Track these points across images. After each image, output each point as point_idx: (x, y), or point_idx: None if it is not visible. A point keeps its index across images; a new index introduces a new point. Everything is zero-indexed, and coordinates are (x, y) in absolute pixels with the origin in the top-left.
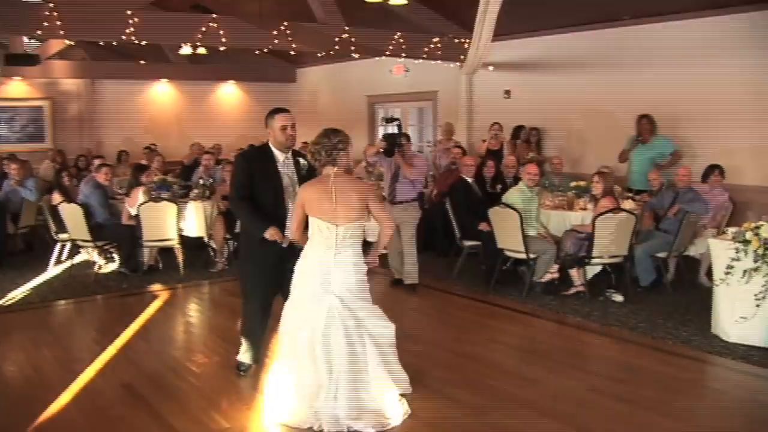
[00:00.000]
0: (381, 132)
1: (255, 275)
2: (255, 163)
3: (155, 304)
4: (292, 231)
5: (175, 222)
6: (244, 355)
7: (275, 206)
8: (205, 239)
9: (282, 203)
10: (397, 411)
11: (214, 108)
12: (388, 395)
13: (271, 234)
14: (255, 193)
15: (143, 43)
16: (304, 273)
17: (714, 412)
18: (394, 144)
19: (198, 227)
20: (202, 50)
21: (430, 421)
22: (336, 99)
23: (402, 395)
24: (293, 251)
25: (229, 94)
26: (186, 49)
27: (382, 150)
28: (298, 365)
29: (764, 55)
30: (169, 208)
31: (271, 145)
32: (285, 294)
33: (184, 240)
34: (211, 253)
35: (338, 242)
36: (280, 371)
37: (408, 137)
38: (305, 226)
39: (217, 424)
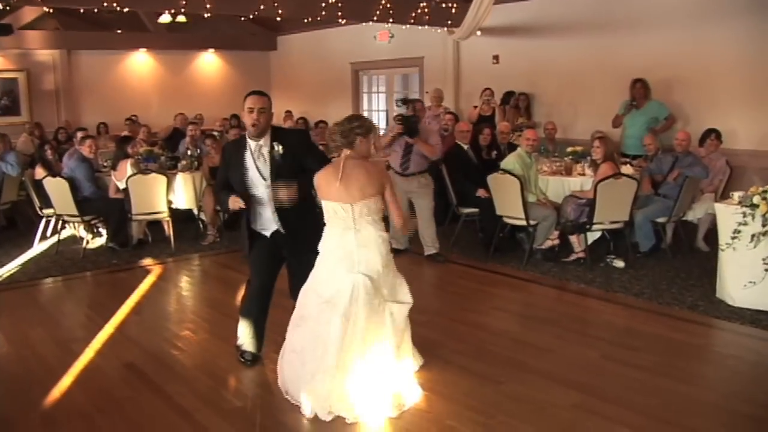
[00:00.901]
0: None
1: (255, 256)
2: (230, 157)
3: (148, 279)
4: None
5: (164, 194)
6: (245, 341)
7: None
8: (195, 211)
9: (246, 192)
10: (415, 392)
11: (194, 78)
12: (405, 376)
13: (232, 203)
14: (230, 182)
15: (125, 9)
16: (324, 255)
17: (728, 376)
18: (414, 126)
19: (187, 199)
20: (181, 18)
21: (446, 394)
22: (319, 67)
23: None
24: (294, 242)
25: (209, 63)
26: (165, 17)
27: (400, 132)
28: (315, 348)
29: (758, 18)
30: (158, 180)
31: (246, 135)
32: (292, 286)
33: (174, 213)
34: (201, 226)
35: (356, 220)
36: (295, 355)
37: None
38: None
39: (229, 404)
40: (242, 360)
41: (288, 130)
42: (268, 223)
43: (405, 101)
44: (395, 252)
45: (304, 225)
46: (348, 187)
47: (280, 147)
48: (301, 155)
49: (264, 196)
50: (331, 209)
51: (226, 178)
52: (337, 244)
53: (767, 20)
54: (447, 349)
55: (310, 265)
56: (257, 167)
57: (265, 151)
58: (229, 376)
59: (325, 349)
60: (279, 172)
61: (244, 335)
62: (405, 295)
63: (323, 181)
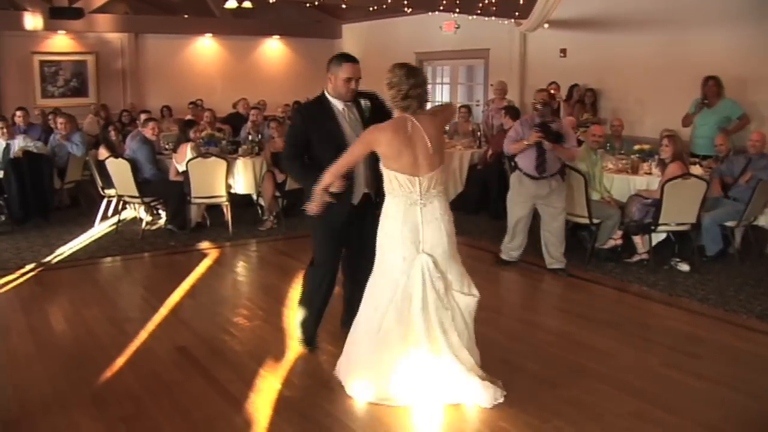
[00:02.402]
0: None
1: (332, 233)
2: (311, 121)
3: (204, 263)
4: (332, 170)
5: (224, 179)
6: (301, 330)
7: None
8: (254, 197)
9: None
10: (472, 388)
11: (257, 64)
12: (464, 371)
13: (333, 182)
14: (315, 154)
15: None
16: (390, 235)
17: None
18: (556, 134)
19: (247, 184)
20: (247, 4)
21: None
22: (383, 56)
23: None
24: (363, 209)
25: (273, 50)
26: (231, 3)
27: (540, 138)
28: (388, 339)
29: None
30: (218, 165)
31: (327, 95)
32: (359, 259)
33: (233, 197)
34: (260, 212)
35: (422, 194)
36: (364, 347)
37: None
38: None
39: (277, 392)
40: (307, 347)
41: (365, 92)
42: (358, 187)
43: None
44: (503, 264)
45: (381, 190)
46: (420, 158)
47: (368, 101)
48: (383, 115)
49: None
50: (396, 181)
51: (303, 145)
52: (403, 219)
53: None
54: (504, 349)
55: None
56: (351, 127)
57: (354, 109)
58: (280, 365)
59: (393, 341)
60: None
61: (299, 320)
62: (471, 287)
63: (390, 144)
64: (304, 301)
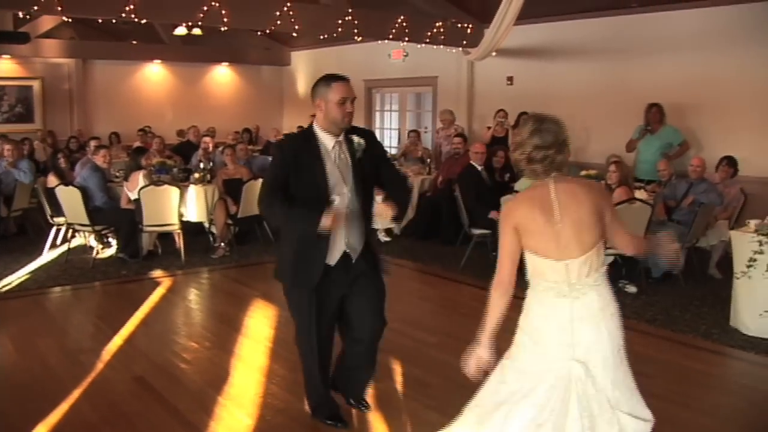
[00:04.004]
0: None
1: (306, 305)
2: (292, 159)
3: (157, 291)
4: (503, 281)
5: (176, 206)
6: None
7: (320, 208)
8: (206, 225)
9: (324, 205)
10: None
11: (207, 90)
12: None
13: (327, 224)
14: (294, 193)
15: (143, 21)
16: (532, 341)
17: (747, 408)
18: None
19: (199, 212)
20: (196, 31)
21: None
22: None
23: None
24: (344, 272)
25: (222, 76)
26: (180, 30)
27: None
28: None
29: None
30: (171, 192)
31: (316, 128)
32: (358, 324)
33: (185, 225)
34: (211, 239)
35: (572, 285)
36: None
37: None
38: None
39: (238, 421)
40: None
41: (359, 128)
42: (338, 244)
43: None
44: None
45: (368, 249)
46: (568, 236)
47: (362, 140)
48: (378, 158)
49: (342, 206)
50: (538, 267)
51: (284, 182)
52: (549, 317)
53: None
54: (460, 372)
55: (380, 289)
56: (339, 170)
57: (345, 147)
58: (239, 393)
59: None
60: (364, 176)
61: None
62: (643, 407)
63: (530, 219)
64: (303, 367)
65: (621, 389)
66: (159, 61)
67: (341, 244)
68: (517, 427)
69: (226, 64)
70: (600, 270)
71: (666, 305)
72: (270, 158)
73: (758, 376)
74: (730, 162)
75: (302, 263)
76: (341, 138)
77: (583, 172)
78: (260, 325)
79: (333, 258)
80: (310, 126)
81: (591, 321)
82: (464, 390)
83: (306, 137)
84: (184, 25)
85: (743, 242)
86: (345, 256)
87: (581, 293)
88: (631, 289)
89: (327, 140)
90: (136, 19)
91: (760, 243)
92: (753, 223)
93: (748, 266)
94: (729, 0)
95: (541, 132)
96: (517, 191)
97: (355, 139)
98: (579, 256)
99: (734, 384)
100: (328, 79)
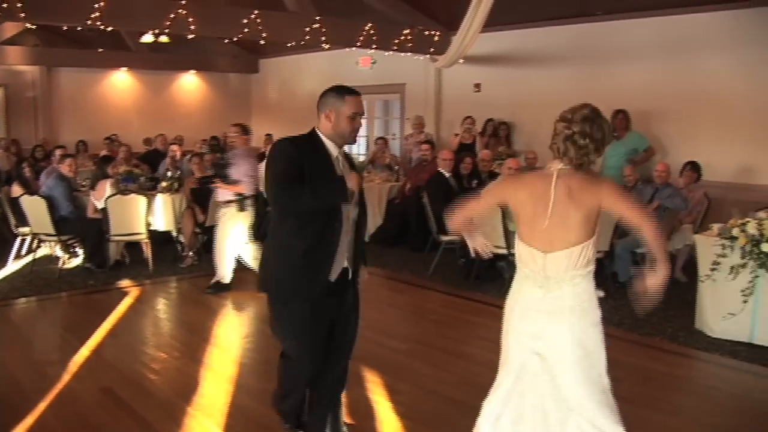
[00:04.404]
0: None
1: (308, 316)
2: (306, 153)
3: (125, 302)
4: (456, 219)
5: (144, 215)
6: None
7: (330, 216)
8: (174, 233)
9: (339, 214)
10: None
11: (174, 98)
12: None
13: (354, 185)
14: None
15: (109, 28)
16: (505, 327)
17: (710, 409)
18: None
19: (167, 221)
20: (163, 38)
21: (428, 423)
22: (300, 91)
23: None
24: (340, 288)
25: (189, 84)
26: (147, 37)
27: None
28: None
29: (735, 52)
30: (138, 201)
31: (321, 135)
32: (337, 347)
33: (152, 234)
34: (179, 248)
35: (549, 277)
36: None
37: None
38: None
39: (208, 431)
40: None
41: None
42: (341, 257)
43: None
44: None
45: (357, 273)
46: (547, 227)
47: (362, 160)
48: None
49: (347, 218)
50: (526, 254)
51: (296, 176)
52: (523, 303)
53: (744, 54)
54: (430, 378)
55: (355, 320)
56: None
57: (345, 159)
58: (209, 403)
59: None
60: (361, 190)
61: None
62: (612, 425)
63: (520, 206)
64: (286, 377)
65: (588, 395)
66: (125, 68)
67: (343, 257)
68: (486, 418)
69: (194, 72)
70: (583, 269)
71: (633, 309)
72: None
73: (722, 377)
74: (693, 167)
75: (308, 272)
76: (342, 150)
77: None
78: (229, 335)
79: (334, 273)
80: (313, 132)
81: (557, 316)
82: (433, 396)
83: (312, 140)
84: (150, 32)
85: (707, 246)
86: (343, 272)
87: (556, 287)
88: (599, 293)
89: (331, 149)
90: (102, 26)
91: (723, 247)
92: (716, 227)
93: (712, 270)
94: (691, 9)
95: (594, 123)
96: None
97: (356, 159)
98: (561, 250)
99: (699, 385)
100: (342, 91)
